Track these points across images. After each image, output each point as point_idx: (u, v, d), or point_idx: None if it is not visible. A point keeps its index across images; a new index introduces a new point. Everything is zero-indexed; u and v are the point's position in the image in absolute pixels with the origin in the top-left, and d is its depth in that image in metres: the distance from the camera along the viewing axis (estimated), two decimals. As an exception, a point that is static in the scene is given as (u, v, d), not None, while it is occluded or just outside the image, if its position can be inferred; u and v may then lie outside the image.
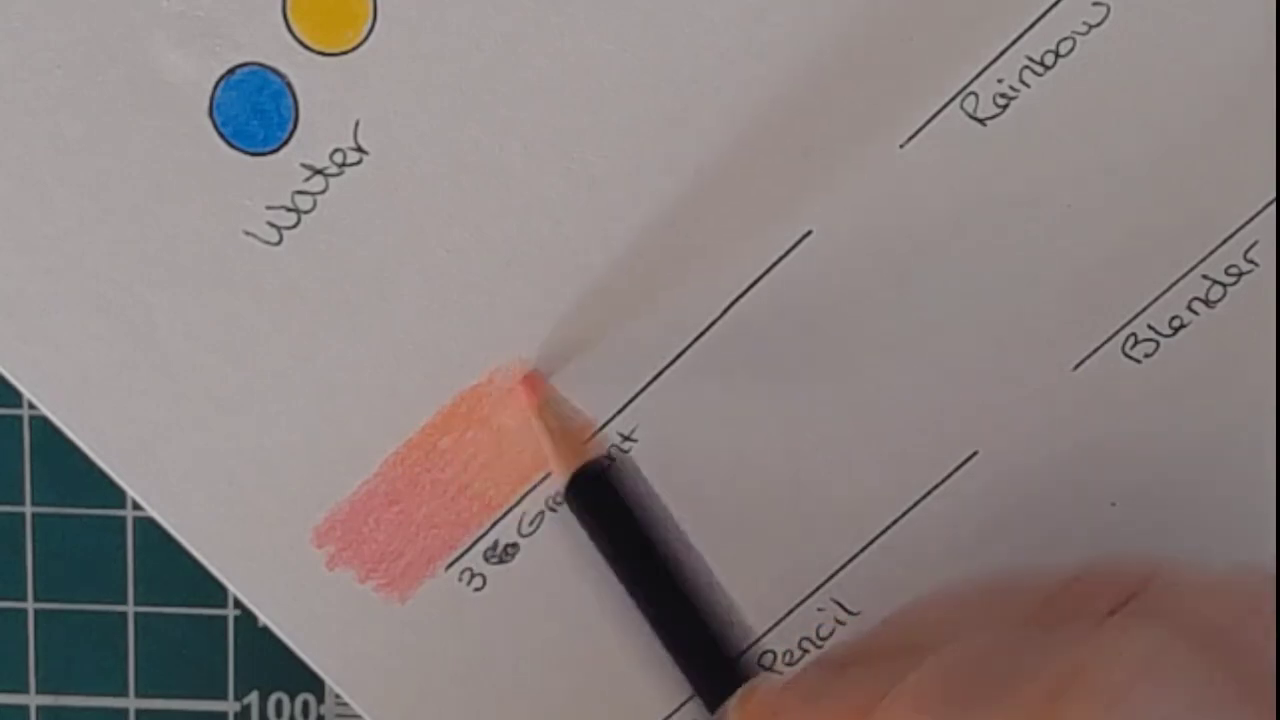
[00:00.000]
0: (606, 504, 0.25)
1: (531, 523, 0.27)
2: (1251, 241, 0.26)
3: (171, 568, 0.29)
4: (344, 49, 0.26)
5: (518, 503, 0.27)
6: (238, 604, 0.30)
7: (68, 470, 0.29)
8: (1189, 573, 0.22)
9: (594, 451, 0.26)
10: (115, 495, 0.28)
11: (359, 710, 0.28)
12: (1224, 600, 0.22)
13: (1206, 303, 0.26)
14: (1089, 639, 0.21)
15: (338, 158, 0.26)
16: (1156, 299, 0.26)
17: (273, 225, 0.26)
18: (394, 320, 0.27)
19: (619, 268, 0.26)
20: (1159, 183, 0.26)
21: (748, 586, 0.28)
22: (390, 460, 0.27)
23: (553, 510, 0.27)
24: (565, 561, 0.27)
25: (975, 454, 0.27)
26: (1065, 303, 0.26)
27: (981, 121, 0.26)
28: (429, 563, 0.28)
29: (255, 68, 0.25)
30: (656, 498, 0.26)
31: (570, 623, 0.28)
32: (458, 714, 0.28)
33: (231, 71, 0.25)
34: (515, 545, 0.27)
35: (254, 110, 0.26)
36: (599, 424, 0.27)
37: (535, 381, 0.27)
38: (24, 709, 0.31)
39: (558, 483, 0.26)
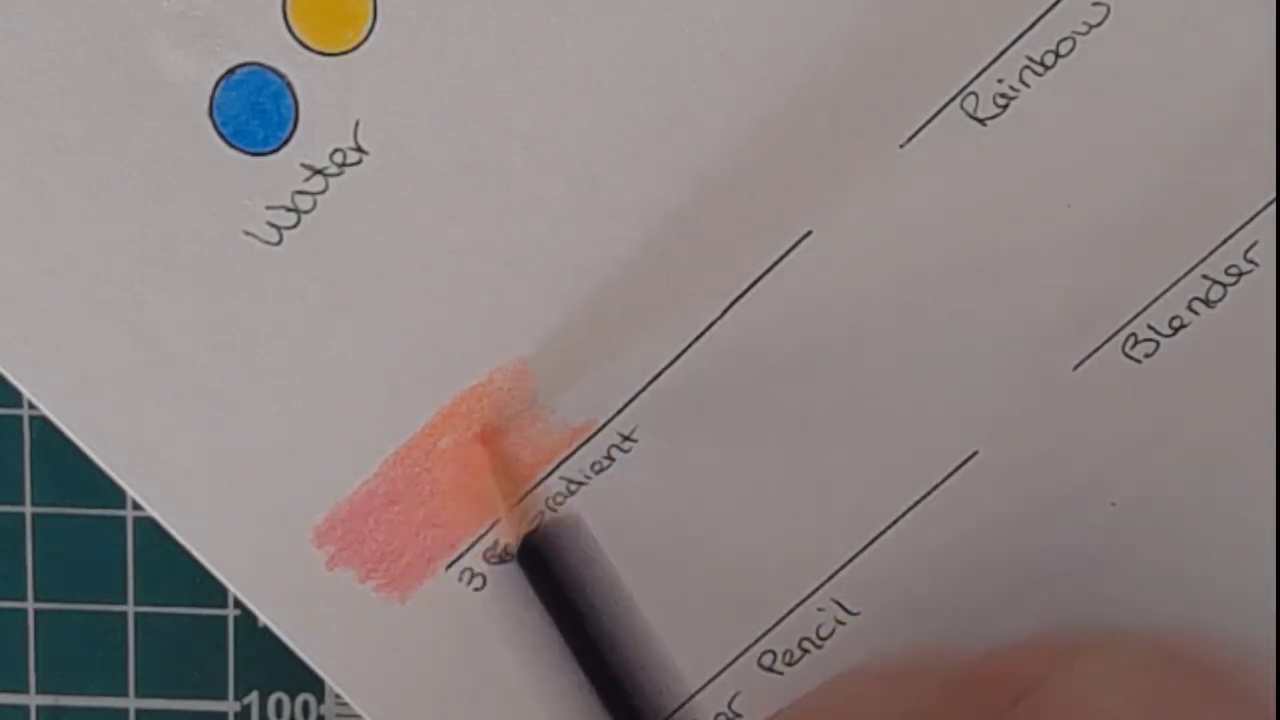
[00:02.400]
0: (554, 571, 0.25)
1: (531, 523, 0.27)
2: (1251, 241, 0.26)
3: (171, 568, 0.29)
4: (344, 49, 0.26)
5: (517, 503, 0.27)
6: (238, 604, 0.30)
7: (68, 470, 0.29)
8: (1089, 665, 0.23)
9: (542, 515, 0.26)
10: (115, 495, 0.28)
11: (359, 710, 0.28)
12: (1125, 694, 0.22)
13: (1206, 303, 0.26)
14: None
15: (338, 158, 0.26)
16: (1156, 299, 0.26)
17: (273, 225, 0.26)
18: (394, 320, 0.27)
19: (619, 268, 0.26)
20: (1159, 183, 0.26)
21: (748, 586, 0.28)
22: (390, 460, 0.27)
23: (553, 510, 0.27)
24: (565, 561, 0.27)
25: (975, 454, 0.27)
26: (1065, 303, 0.26)
27: (981, 121, 0.26)
28: (429, 563, 0.28)
29: (255, 68, 0.25)
30: (602, 557, 0.26)
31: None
32: (458, 714, 0.28)
33: (231, 71, 0.25)
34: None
35: (254, 110, 0.26)
36: (599, 424, 0.27)
37: (491, 438, 0.27)
38: (24, 709, 0.31)
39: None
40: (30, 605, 0.30)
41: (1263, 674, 0.26)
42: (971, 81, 0.26)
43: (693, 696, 0.28)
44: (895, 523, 0.27)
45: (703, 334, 0.27)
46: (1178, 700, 0.22)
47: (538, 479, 0.27)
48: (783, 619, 0.28)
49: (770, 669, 0.28)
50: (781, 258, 0.26)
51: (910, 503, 0.27)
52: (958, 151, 0.26)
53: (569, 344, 0.27)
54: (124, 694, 0.30)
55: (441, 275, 0.26)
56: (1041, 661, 0.23)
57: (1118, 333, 0.27)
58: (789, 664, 0.28)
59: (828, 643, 0.28)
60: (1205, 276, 0.26)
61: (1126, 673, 0.23)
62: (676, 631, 0.28)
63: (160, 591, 0.30)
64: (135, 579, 0.30)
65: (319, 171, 0.26)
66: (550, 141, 0.26)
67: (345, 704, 0.28)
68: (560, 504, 0.27)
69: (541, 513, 0.26)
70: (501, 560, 0.28)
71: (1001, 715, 0.22)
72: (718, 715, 0.28)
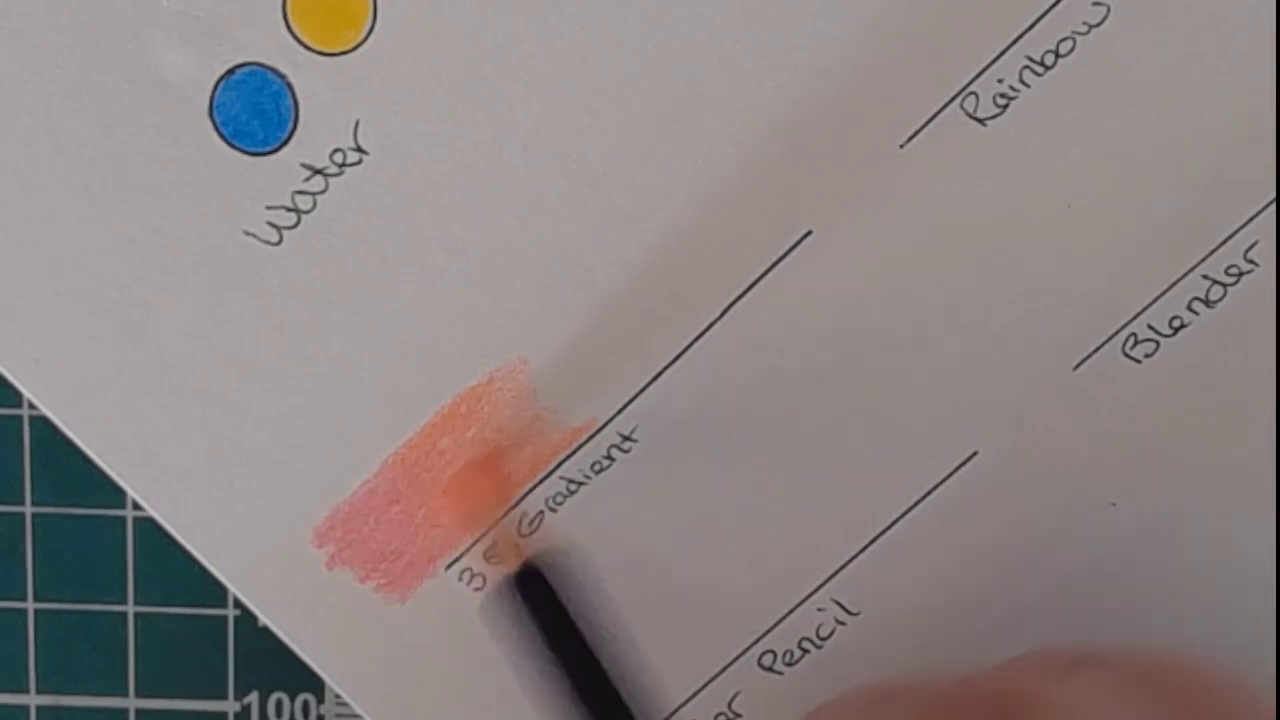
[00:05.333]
0: (542, 608, 0.25)
1: (531, 523, 0.27)
2: (1251, 241, 0.26)
3: (171, 568, 0.29)
4: (344, 49, 0.26)
5: (518, 503, 0.27)
6: (238, 604, 0.30)
7: (68, 470, 0.29)
8: (1063, 688, 0.23)
9: (530, 551, 0.26)
10: (115, 495, 0.28)
11: (359, 710, 0.28)
12: (1122, 709, 0.22)
13: (1206, 303, 0.26)
14: None
15: (338, 158, 0.26)
16: (1156, 299, 0.26)
17: (273, 225, 0.26)
18: (394, 320, 0.27)
19: (619, 268, 0.26)
20: (1159, 183, 0.26)
21: (748, 586, 0.28)
22: (390, 460, 0.27)
23: (553, 510, 0.27)
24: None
25: (975, 454, 0.27)
26: (1065, 303, 0.26)
27: (981, 121, 0.26)
28: (429, 563, 0.28)
29: (255, 68, 0.25)
30: (586, 591, 0.26)
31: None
32: (458, 714, 0.28)
33: (231, 71, 0.25)
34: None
35: (254, 110, 0.26)
36: (599, 424, 0.27)
37: (491, 464, 0.27)
38: (24, 709, 0.31)
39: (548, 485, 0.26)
40: (30, 605, 0.30)
41: (1262, 674, 0.26)
42: (971, 81, 0.26)
43: (693, 696, 0.28)
44: (895, 523, 0.27)
45: (703, 334, 0.27)
46: (1175, 715, 0.22)
47: (538, 479, 0.27)
48: (783, 619, 0.28)
49: (770, 669, 0.28)
50: (781, 258, 0.26)
51: (910, 503, 0.27)
52: (958, 151, 0.26)
53: (569, 344, 0.27)
54: (124, 694, 0.30)
55: (441, 275, 0.26)
56: (1033, 678, 0.23)
57: (1118, 333, 0.27)
58: (789, 664, 0.28)
59: (828, 643, 0.28)
60: (1205, 276, 0.26)
61: (1122, 687, 0.23)
62: (676, 632, 0.28)
63: (160, 591, 0.30)
64: (135, 579, 0.30)
65: (319, 171, 0.26)
66: (550, 141, 0.26)
67: (345, 704, 0.28)
68: (560, 504, 0.27)
69: (529, 551, 0.26)
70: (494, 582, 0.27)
71: None
72: (718, 715, 0.28)
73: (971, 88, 0.26)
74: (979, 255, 0.26)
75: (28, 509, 0.30)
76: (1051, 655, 0.25)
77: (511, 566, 0.25)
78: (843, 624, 0.28)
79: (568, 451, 0.27)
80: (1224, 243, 0.26)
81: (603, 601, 0.25)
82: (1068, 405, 0.27)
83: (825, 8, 0.25)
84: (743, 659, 0.28)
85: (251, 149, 0.26)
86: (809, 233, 0.26)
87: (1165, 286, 0.26)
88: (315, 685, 0.30)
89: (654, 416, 0.27)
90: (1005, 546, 0.27)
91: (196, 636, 0.30)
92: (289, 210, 0.26)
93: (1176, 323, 0.27)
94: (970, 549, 0.27)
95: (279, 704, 0.30)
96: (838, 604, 0.28)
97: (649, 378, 0.27)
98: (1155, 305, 0.26)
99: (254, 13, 0.25)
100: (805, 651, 0.28)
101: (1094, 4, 0.25)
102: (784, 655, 0.28)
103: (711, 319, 0.27)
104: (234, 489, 0.27)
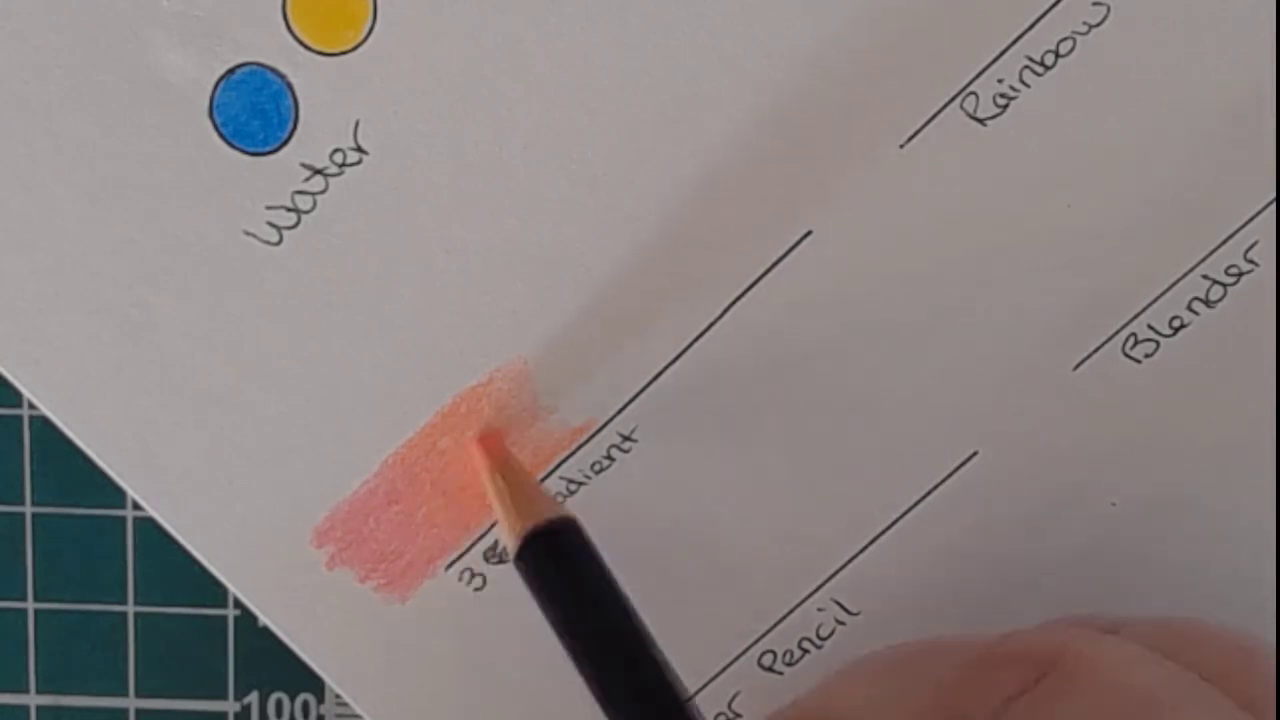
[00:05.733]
0: (556, 573, 0.25)
1: (531, 523, 0.27)
2: (1251, 241, 0.26)
3: (171, 568, 0.29)
4: (344, 49, 0.26)
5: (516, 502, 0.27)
6: (238, 604, 0.30)
7: (68, 470, 0.29)
8: (1100, 648, 0.22)
9: (546, 514, 0.26)
10: (115, 495, 0.28)
11: (359, 710, 0.28)
12: (1164, 668, 0.22)
13: (1206, 303, 0.26)
14: None
15: (338, 158, 0.26)
16: (1156, 299, 0.26)
17: (273, 225, 0.26)
18: (394, 320, 0.27)
19: (619, 268, 0.26)
20: (1159, 183, 0.26)
21: (748, 586, 0.28)
22: (390, 460, 0.27)
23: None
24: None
25: (975, 454, 0.27)
26: (1065, 303, 0.26)
27: (981, 121, 0.26)
28: (429, 563, 0.28)
29: (255, 68, 0.25)
30: (601, 561, 0.25)
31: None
32: (458, 714, 0.28)
33: (231, 71, 0.25)
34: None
35: (254, 110, 0.26)
36: (599, 424, 0.27)
37: (491, 442, 0.26)
38: (24, 709, 0.31)
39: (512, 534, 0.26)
40: (30, 605, 0.30)
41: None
42: (971, 81, 0.26)
43: (693, 696, 0.28)
44: (895, 523, 0.27)
45: (703, 334, 0.27)
46: (1210, 678, 0.22)
47: (538, 479, 0.27)
48: (783, 619, 0.28)
49: (770, 669, 0.28)
50: (781, 258, 0.26)
51: (910, 503, 0.27)
52: (958, 151, 0.26)
53: (569, 344, 0.27)
54: (124, 694, 0.30)
55: (441, 275, 0.26)
56: (1071, 638, 0.23)
57: (1118, 333, 0.27)
58: (789, 664, 0.28)
59: (828, 643, 0.28)
60: (1205, 276, 0.26)
61: (1159, 650, 0.23)
62: (676, 631, 0.28)
63: (160, 591, 0.30)
64: (135, 579, 0.30)
65: (319, 171, 0.26)
66: (550, 141, 0.26)
67: (345, 704, 0.28)
68: (560, 504, 0.27)
69: (543, 516, 0.25)
70: (501, 561, 0.27)
71: (1027, 690, 0.22)
72: (718, 715, 0.28)
73: (971, 88, 0.26)
74: (979, 255, 0.26)
75: (28, 509, 0.30)
76: (1088, 619, 0.25)
77: (516, 540, 0.25)
78: (843, 624, 0.28)
79: (568, 451, 0.27)
80: (1224, 243, 0.26)
81: (608, 575, 0.25)
82: (1068, 405, 0.27)
83: (825, 8, 0.25)
84: (743, 659, 0.28)
85: (251, 149, 0.26)
86: (809, 233, 0.26)
87: (1165, 286, 0.26)
88: (315, 685, 0.30)
89: (654, 416, 0.27)
90: (1006, 546, 0.27)
91: (196, 636, 0.30)
92: (289, 210, 0.26)
93: (1176, 323, 0.27)
94: (970, 549, 0.27)
95: (279, 704, 0.30)
96: (838, 604, 0.28)
97: (649, 378, 0.27)
98: (1155, 305, 0.26)
99: (254, 13, 0.25)
100: (805, 651, 0.28)
101: (1094, 4, 0.25)
102: (784, 655, 0.28)
103: (711, 319, 0.27)
104: (234, 489, 0.27)
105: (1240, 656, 0.23)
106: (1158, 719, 0.21)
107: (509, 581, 0.27)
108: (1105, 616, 0.25)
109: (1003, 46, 0.25)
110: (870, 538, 0.27)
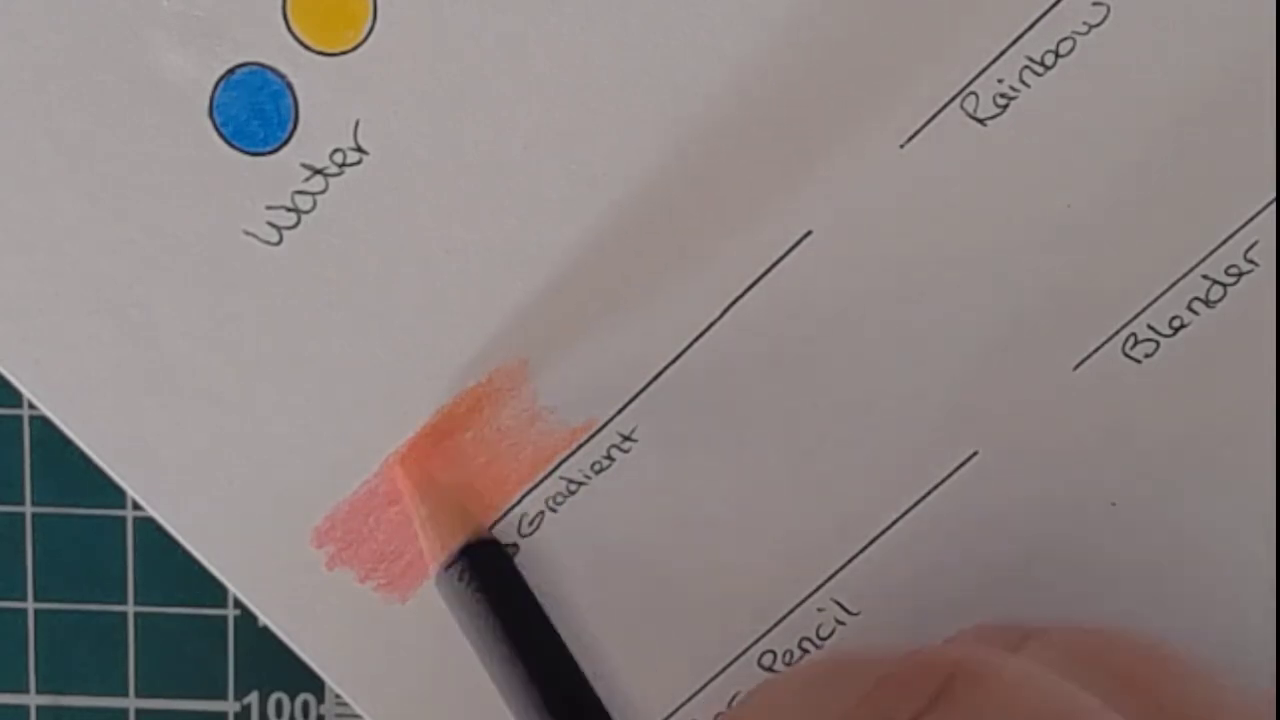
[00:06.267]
0: (473, 592, 0.25)
1: (531, 523, 0.27)
2: (1251, 241, 0.26)
3: (171, 568, 0.29)
4: (344, 49, 0.26)
5: (517, 503, 0.27)
6: (238, 604, 0.30)
7: (68, 470, 0.29)
8: (992, 668, 0.23)
9: (470, 536, 0.26)
10: (115, 495, 0.28)
11: (359, 710, 0.28)
12: (1028, 700, 0.22)
13: (1206, 303, 0.26)
14: None
15: (338, 158, 0.26)
16: (1156, 299, 0.26)
17: (273, 225, 0.26)
18: (394, 320, 0.27)
19: (619, 268, 0.26)
20: (1159, 183, 0.26)
21: (748, 586, 0.28)
22: (390, 460, 0.27)
23: (553, 510, 0.27)
24: (565, 562, 0.27)
25: (975, 454, 0.27)
26: (1065, 303, 0.26)
27: (981, 121, 0.26)
28: (429, 562, 0.28)
29: (255, 68, 0.25)
30: (520, 582, 0.25)
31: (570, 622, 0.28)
32: (458, 714, 0.28)
33: (231, 71, 0.25)
34: (515, 545, 0.27)
35: (254, 110, 0.26)
36: (599, 424, 0.27)
37: (411, 465, 0.27)
38: (24, 709, 0.31)
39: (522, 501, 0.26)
40: (30, 605, 0.30)
41: (1261, 673, 0.26)
42: (971, 81, 0.26)
43: (693, 696, 0.28)
44: (895, 523, 0.27)
45: (703, 334, 0.27)
46: (1099, 694, 0.22)
47: (538, 479, 0.27)
48: (783, 619, 0.28)
49: (770, 669, 0.28)
50: (781, 258, 0.26)
51: (910, 503, 0.27)
52: (958, 151, 0.26)
53: (569, 344, 0.27)
54: (124, 694, 0.30)
55: (441, 275, 0.26)
56: (981, 651, 0.23)
57: (1118, 333, 0.27)
58: (789, 664, 0.28)
59: (828, 643, 0.28)
60: (1205, 276, 0.26)
61: (1068, 661, 0.23)
62: (676, 632, 0.28)
63: (160, 591, 0.30)
64: (135, 579, 0.30)
65: (319, 171, 0.26)
66: (550, 141, 0.26)
67: (345, 704, 0.28)
68: (560, 504, 0.27)
69: (457, 537, 0.26)
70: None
71: (924, 711, 0.22)
72: (718, 715, 0.28)
73: (971, 88, 0.26)
74: (978, 255, 0.26)
75: (28, 509, 0.30)
76: (998, 630, 0.25)
77: (434, 561, 0.25)
78: (843, 624, 0.28)
79: (568, 451, 0.27)
80: (1224, 243, 0.26)
81: (537, 599, 0.25)
82: (1068, 405, 0.27)
83: (825, 8, 0.25)
84: (743, 659, 0.28)
85: (251, 149, 0.26)
86: (809, 233, 0.26)
87: (1165, 286, 0.26)
88: (315, 685, 0.30)
89: (654, 416, 0.27)
90: (1005, 546, 0.27)
91: (196, 636, 0.30)
92: (289, 210, 0.26)
93: (1176, 323, 0.27)
94: (970, 549, 0.27)
95: (279, 704, 0.30)
96: (838, 604, 0.28)
97: (649, 378, 0.27)
98: (1155, 305, 0.26)
99: (254, 13, 0.25)
100: (805, 651, 0.28)
101: (1094, 4, 0.25)
102: (784, 655, 0.28)
103: (711, 319, 0.27)
104: (234, 489, 0.27)
105: (1151, 660, 0.23)
106: None
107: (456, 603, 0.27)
108: (1019, 626, 0.25)
109: (1003, 46, 0.25)
110: (870, 538, 0.27)
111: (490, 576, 0.25)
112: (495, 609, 0.25)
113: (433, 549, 0.26)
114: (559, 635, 0.25)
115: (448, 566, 0.26)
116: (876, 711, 0.22)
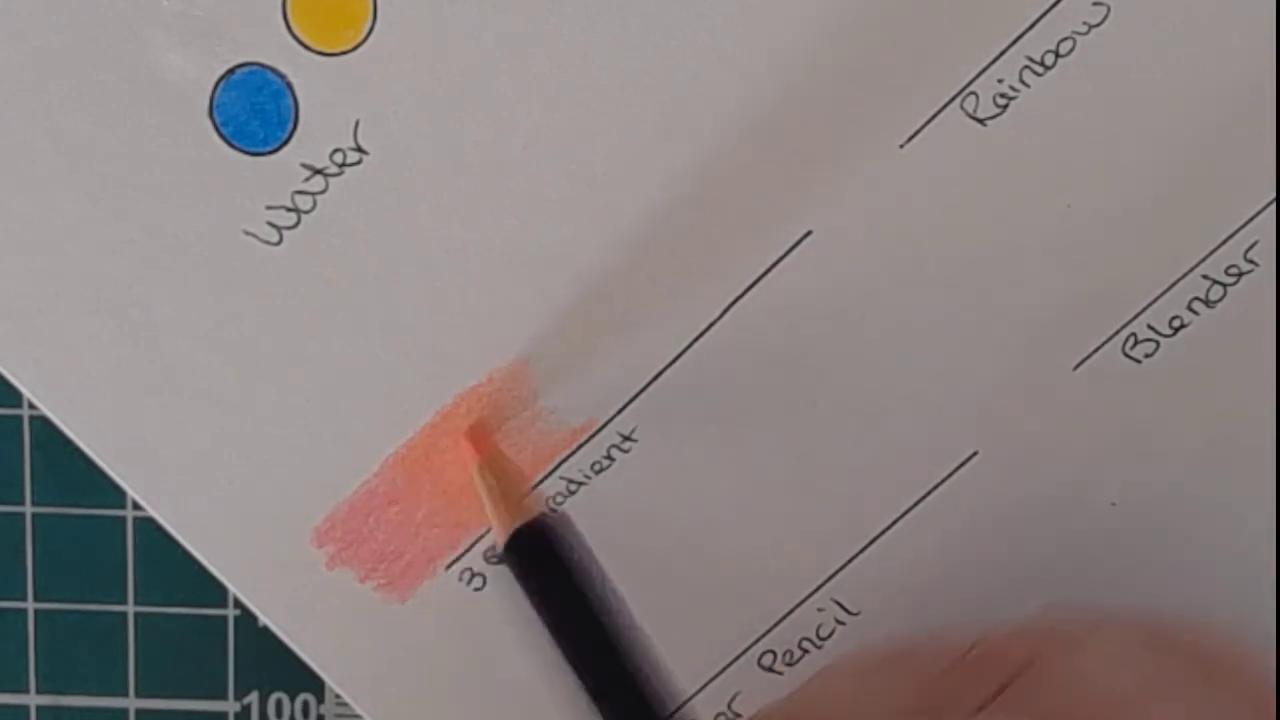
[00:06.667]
0: (544, 566, 0.25)
1: (531, 523, 0.27)
2: (1251, 241, 0.26)
3: (171, 568, 0.29)
4: (344, 49, 0.26)
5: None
6: (238, 604, 0.30)
7: (68, 470, 0.29)
8: (1089, 643, 0.23)
9: (533, 510, 0.26)
10: (115, 495, 0.28)
11: (359, 710, 0.28)
12: (1128, 672, 0.22)
13: (1206, 303, 0.26)
14: None
15: (338, 158, 0.26)
16: (1156, 299, 0.26)
17: (273, 225, 0.26)
18: (394, 320, 0.27)
19: (619, 267, 0.26)
20: (1159, 183, 0.26)
21: (748, 586, 0.28)
22: (390, 460, 0.27)
23: (553, 511, 0.27)
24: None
25: (975, 454, 0.27)
26: (1065, 303, 0.26)
27: (981, 121, 0.26)
28: (429, 563, 0.28)
29: (255, 68, 0.25)
30: (592, 555, 0.25)
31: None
32: (458, 714, 0.28)
33: (231, 71, 0.25)
34: (515, 545, 0.27)
35: (254, 110, 0.26)
36: (599, 424, 0.27)
37: (480, 435, 0.26)
38: (24, 709, 0.31)
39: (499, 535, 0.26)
40: (30, 605, 0.30)
41: (1263, 668, 0.26)
42: (971, 81, 0.26)
43: (693, 696, 0.28)
44: (895, 523, 0.27)
45: (703, 334, 0.27)
46: (1180, 679, 0.22)
47: (538, 479, 0.27)
48: (783, 619, 0.28)
49: (770, 669, 0.28)
50: (781, 258, 0.26)
51: (910, 503, 0.27)
52: (958, 151, 0.26)
53: (569, 344, 0.27)
54: (124, 694, 0.30)
55: (441, 275, 0.26)
56: (1044, 643, 0.23)
57: (1118, 333, 0.27)
58: (789, 664, 0.28)
59: (828, 643, 0.28)
60: (1205, 276, 0.26)
61: (1127, 650, 0.23)
62: (677, 631, 0.28)
63: (160, 591, 0.30)
64: (135, 579, 0.30)
65: (319, 171, 0.26)
66: (550, 141, 0.26)
67: (345, 704, 0.28)
68: (560, 504, 0.27)
69: (532, 510, 0.25)
70: (501, 561, 0.27)
71: (1002, 692, 0.22)
72: (718, 715, 0.28)
73: (971, 88, 0.26)
74: (978, 255, 0.26)
75: (28, 509, 0.30)
76: (1063, 619, 0.25)
77: (505, 535, 0.25)
78: (843, 624, 0.28)
79: (568, 451, 0.27)
80: (1224, 243, 0.26)
81: (601, 572, 0.25)
82: (1068, 405, 0.27)
83: (825, 8, 0.25)
84: (743, 659, 0.28)
85: (251, 149, 0.26)
86: (809, 233, 0.26)
87: (1165, 286, 0.26)
88: (315, 685, 0.30)
89: (654, 416, 0.27)
90: (1006, 546, 0.27)
91: (196, 636, 0.30)
92: (289, 210, 0.26)
93: (1176, 323, 0.27)
94: (970, 549, 0.27)
95: (279, 704, 0.30)
96: (838, 604, 0.28)
97: (649, 378, 0.27)
98: (1155, 305, 0.26)
99: (254, 13, 0.25)
100: (805, 651, 0.28)
101: (1094, 4, 0.25)
102: (784, 655, 0.28)
103: (711, 319, 0.27)
104: (234, 489, 0.27)
105: (1213, 647, 0.23)
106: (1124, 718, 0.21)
107: (509, 581, 0.27)
108: (1091, 610, 0.25)
109: (1003, 46, 0.25)
110: (870, 538, 0.27)
111: (553, 555, 0.25)
112: (557, 586, 0.25)
113: (500, 522, 0.26)
114: (622, 615, 0.25)
115: (511, 542, 0.25)
116: (958, 688, 0.23)
